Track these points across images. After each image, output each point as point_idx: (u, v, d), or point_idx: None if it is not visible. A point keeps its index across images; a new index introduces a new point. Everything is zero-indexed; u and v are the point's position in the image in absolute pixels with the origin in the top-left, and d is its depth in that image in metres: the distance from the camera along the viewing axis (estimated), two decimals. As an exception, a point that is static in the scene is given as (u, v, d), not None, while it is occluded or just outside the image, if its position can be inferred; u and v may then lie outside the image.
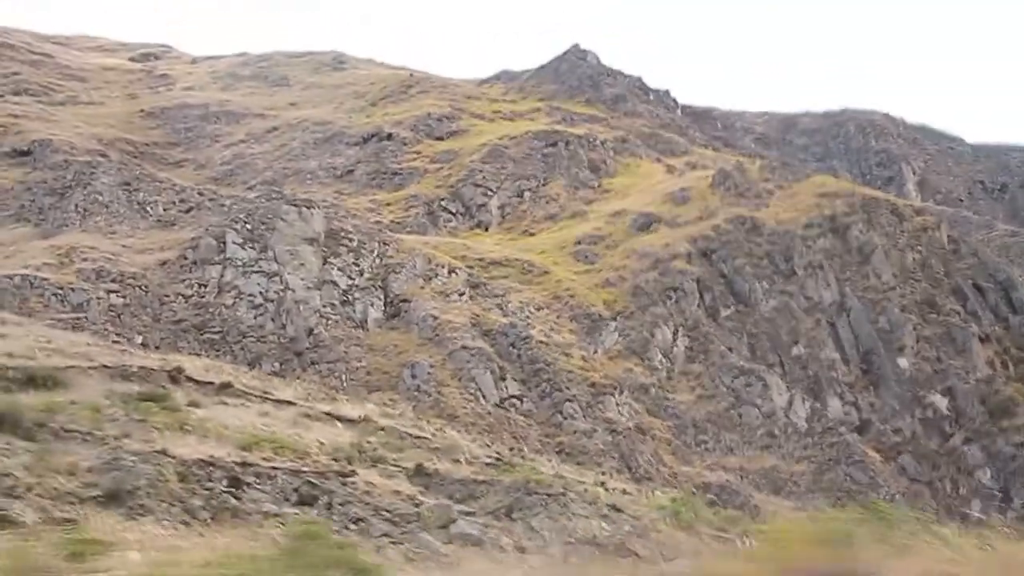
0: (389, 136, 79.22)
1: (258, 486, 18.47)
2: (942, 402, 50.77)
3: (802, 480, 46.31)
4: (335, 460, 20.99)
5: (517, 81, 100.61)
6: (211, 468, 18.25)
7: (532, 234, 66.51)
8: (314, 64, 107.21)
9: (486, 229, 68.26)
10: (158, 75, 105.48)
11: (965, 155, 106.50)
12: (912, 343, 52.94)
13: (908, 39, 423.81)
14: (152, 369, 27.63)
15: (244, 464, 18.88)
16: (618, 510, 25.27)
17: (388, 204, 69.67)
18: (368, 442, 24.99)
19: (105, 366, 26.32)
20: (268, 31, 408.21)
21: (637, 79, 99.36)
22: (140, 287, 46.18)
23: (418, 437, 29.19)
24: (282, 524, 14.47)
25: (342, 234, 52.18)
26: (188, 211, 57.05)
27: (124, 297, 45.02)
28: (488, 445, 32.52)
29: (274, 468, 19.14)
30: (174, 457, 17.83)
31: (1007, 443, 49.28)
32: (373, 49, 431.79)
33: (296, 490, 18.68)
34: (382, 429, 28.20)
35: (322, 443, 22.25)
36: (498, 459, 28.10)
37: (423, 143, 78.66)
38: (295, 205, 51.73)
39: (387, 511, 18.77)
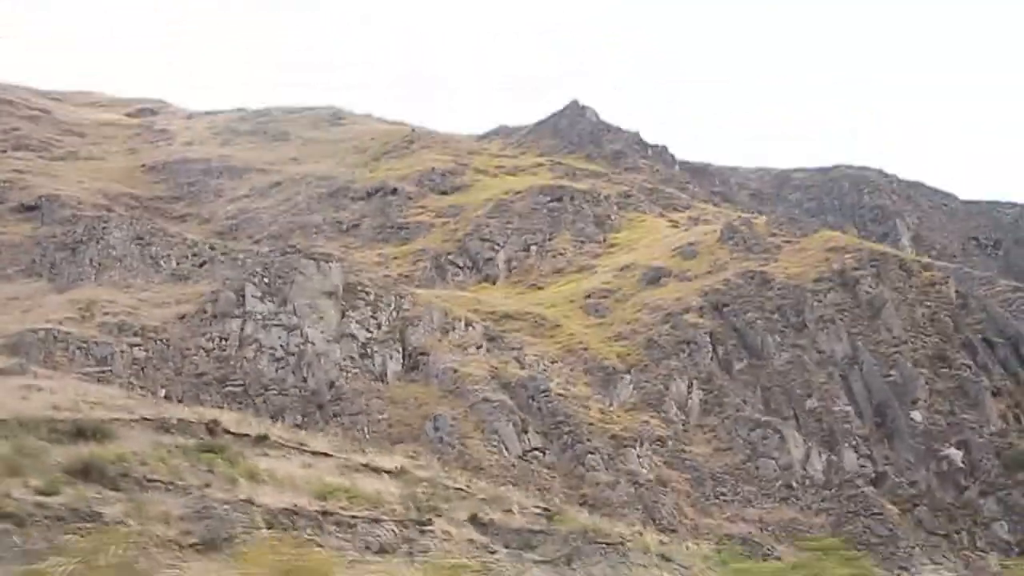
0: (394, 191, 79.70)
1: (339, 534, 18.65)
2: (957, 455, 50.83)
3: (821, 532, 46.27)
4: (407, 509, 21.15)
5: (515, 136, 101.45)
6: (295, 516, 18.43)
7: (540, 288, 66.78)
8: (312, 119, 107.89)
9: (494, 283, 68.51)
10: (156, 130, 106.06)
11: (958, 211, 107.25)
12: (925, 396, 53.10)
13: (899, 89, 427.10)
14: (190, 421, 27.73)
15: (324, 513, 19.05)
16: (667, 559, 25.49)
17: (395, 258, 70.00)
18: (422, 493, 25.16)
19: (145, 418, 26.45)
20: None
21: (635, 134, 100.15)
22: (161, 340, 46.24)
23: (458, 488, 29.33)
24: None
25: (359, 288, 52.40)
26: (201, 265, 57.28)
27: (147, 351, 45.07)
28: (525, 497, 32.66)
29: (354, 517, 19.31)
30: (260, 506, 18.01)
31: (1023, 496, 49.42)
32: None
33: (377, 538, 18.85)
34: (423, 480, 28.34)
35: (391, 492, 22.39)
36: (546, 509, 28.27)
37: (428, 197, 79.21)
38: (313, 259, 51.99)
39: (466, 559, 18.95)
